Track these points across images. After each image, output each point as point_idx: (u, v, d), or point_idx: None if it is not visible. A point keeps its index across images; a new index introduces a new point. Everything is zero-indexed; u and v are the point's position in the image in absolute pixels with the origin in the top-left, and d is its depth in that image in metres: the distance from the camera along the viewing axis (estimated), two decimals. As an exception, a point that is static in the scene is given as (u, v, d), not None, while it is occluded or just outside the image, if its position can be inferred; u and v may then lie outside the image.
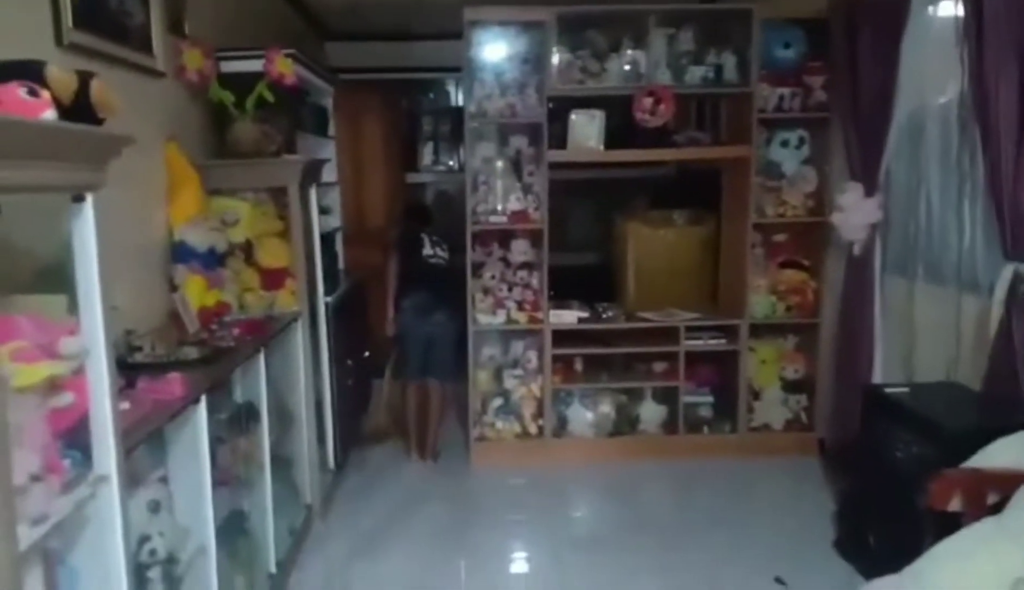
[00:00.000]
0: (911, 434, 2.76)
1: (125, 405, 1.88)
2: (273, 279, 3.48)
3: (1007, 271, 2.66)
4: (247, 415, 2.78)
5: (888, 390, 3.00)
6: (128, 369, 2.27)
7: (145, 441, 1.89)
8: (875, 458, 2.95)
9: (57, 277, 1.51)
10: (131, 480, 1.83)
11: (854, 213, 3.64)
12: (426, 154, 7.02)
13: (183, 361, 2.45)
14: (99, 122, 1.52)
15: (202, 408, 2.23)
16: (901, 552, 2.59)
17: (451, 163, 7.11)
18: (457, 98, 7.15)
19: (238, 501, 2.69)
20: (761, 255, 4.29)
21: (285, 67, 3.44)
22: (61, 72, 1.39)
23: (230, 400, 2.70)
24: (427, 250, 4.36)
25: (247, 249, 3.48)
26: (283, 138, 3.65)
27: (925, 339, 3.37)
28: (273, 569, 2.93)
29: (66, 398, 1.50)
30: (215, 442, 2.38)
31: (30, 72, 1.33)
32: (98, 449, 1.58)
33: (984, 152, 2.77)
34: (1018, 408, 2.61)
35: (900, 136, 3.47)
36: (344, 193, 5.15)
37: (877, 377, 3.58)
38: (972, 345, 3.02)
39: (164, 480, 2.20)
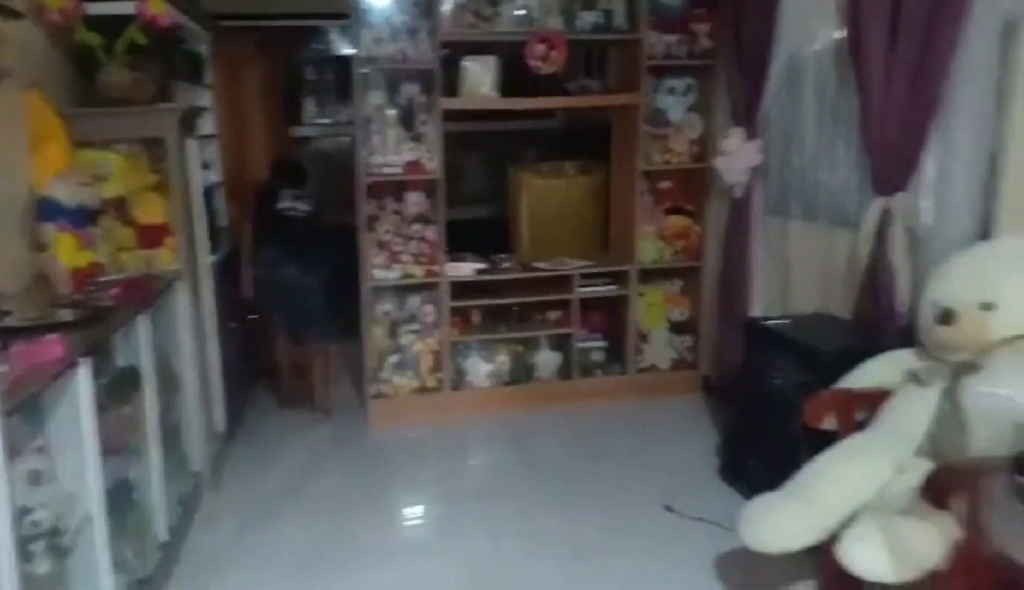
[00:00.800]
0: (789, 362, 2.94)
1: (3, 368, 1.74)
2: (151, 237, 3.28)
3: (876, 205, 2.85)
4: (130, 380, 2.64)
5: (767, 323, 3.18)
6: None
7: (21, 408, 1.75)
8: (755, 387, 3.13)
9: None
10: (7, 451, 1.71)
11: (736, 157, 3.79)
12: (310, 106, 6.75)
13: (58, 323, 2.29)
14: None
15: (83, 372, 2.09)
16: (779, 473, 2.79)
17: (337, 116, 6.88)
18: (342, 47, 6.90)
19: (124, 470, 2.56)
20: (649, 202, 4.40)
21: (158, 7, 3.20)
22: None
23: (111, 364, 2.55)
24: (283, 203, 4.30)
25: (121, 205, 3.26)
26: (157, 86, 3.42)
27: (801, 274, 3.57)
28: (164, 538, 2.82)
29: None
30: (97, 409, 2.25)
31: None
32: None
33: (858, 91, 2.93)
34: (884, 333, 2.83)
35: (779, 80, 3.62)
36: (224, 147, 4.91)
37: (757, 313, 3.77)
38: (843, 277, 3.22)
39: (43, 450, 2.07)
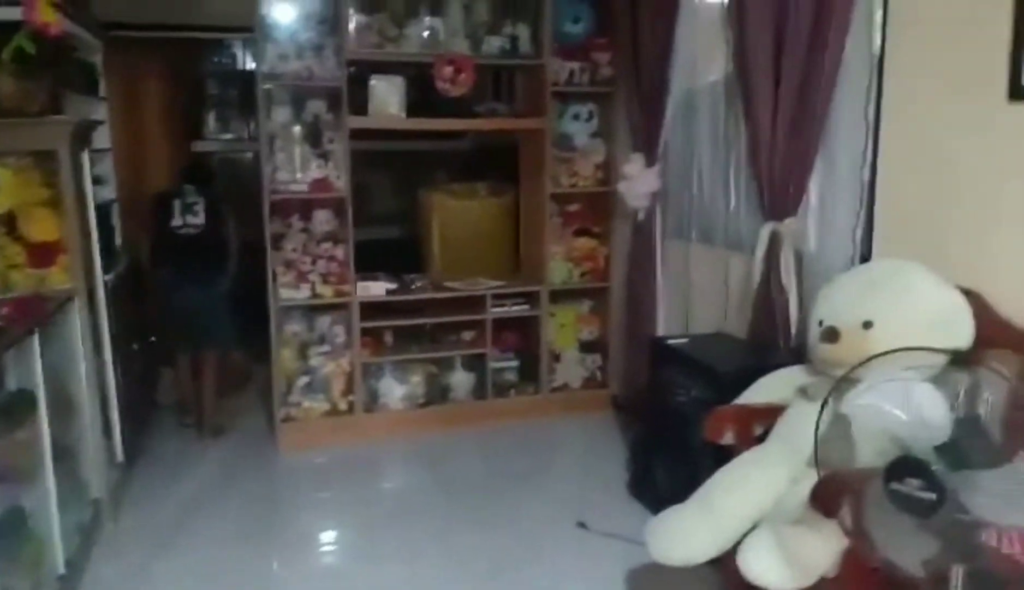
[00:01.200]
0: (690, 379, 3.08)
1: None
2: (42, 255, 3.12)
3: (765, 230, 3.03)
4: (23, 404, 2.50)
5: (669, 341, 3.32)
6: None
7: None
8: (659, 404, 3.25)
9: None
10: None
11: (637, 182, 3.95)
12: (212, 121, 6.56)
13: (-60, 346, 2.16)
14: None
15: (-31, 395, 1.98)
16: (685, 486, 2.90)
17: (240, 132, 6.72)
18: (246, 61, 6.75)
19: (16, 497, 2.42)
20: (558, 224, 4.52)
21: (48, 15, 3.07)
22: None
23: (2, 388, 2.41)
24: (175, 221, 4.16)
25: (10, 221, 3.10)
26: (47, 96, 3.27)
27: (700, 295, 3.75)
28: (62, 570, 2.67)
29: None
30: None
31: None
32: None
33: (746, 123, 3.12)
34: (777, 351, 3.00)
35: (676, 111, 3.80)
36: (120, 162, 4.74)
37: (661, 332, 3.93)
38: (739, 298, 3.40)
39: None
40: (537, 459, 4.03)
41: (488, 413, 4.41)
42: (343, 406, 4.24)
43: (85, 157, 3.41)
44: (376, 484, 3.89)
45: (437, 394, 4.42)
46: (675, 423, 3.09)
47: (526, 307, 4.45)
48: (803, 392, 2.38)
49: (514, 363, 4.55)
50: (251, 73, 6.49)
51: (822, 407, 1.93)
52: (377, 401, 4.33)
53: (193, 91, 6.37)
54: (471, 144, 6.54)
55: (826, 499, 1.91)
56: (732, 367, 2.95)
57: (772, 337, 3.05)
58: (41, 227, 3.12)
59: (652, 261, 3.96)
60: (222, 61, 6.66)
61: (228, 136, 6.63)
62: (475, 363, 4.45)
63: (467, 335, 4.49)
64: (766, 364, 2.78)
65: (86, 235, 3.31)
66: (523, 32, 4.24)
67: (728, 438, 2.55)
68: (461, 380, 4.42)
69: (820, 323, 2.32)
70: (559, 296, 4.55)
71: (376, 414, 4.29)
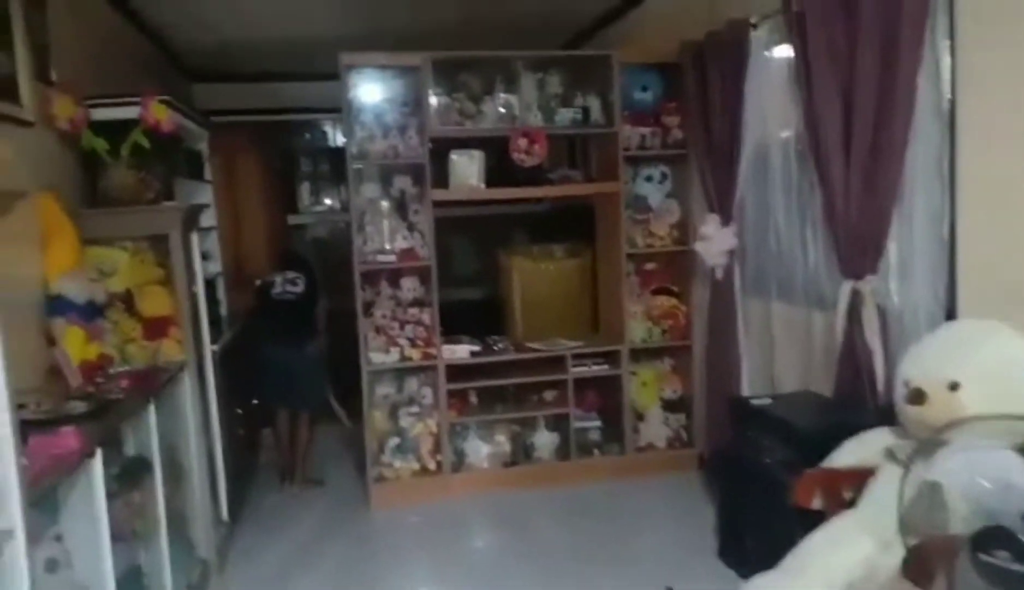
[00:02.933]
0: (775, 440, 3.05)
1: (21, 461, 1.83)
2: (156, 329, 3.40)
3: (845, 288, 3.02)
4: (139, 469, 2.71)
5: (752, 401, 3.30)
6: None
7: (41, 499, 1.84)
8: (745, 466, 3.22)
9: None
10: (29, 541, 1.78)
11: (714, 242, 3.98)
12: (305, 195, 6.98)
13: (73, 416, 2.38)
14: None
15: (98, 461, 2.19)
16: (775, 551, 2.85)
17: (331, 203, 7.11)
18: (335, 138, 7.18)
19: (134, 557, 2.62)
20: (635, 283, 4.58)
21: (161, 113, 3.41)
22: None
23: (121, 454, 2.63)
24: (276, 289, 4.62)
25: (127, 299, 3.39)
26: (160, 184, 3.60)
27: (783, 353, 3.71)
28: (172, 627, 2.85)
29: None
30: (108, 497, 2.32)
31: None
32: (3, 505, 1.55)
33: (819, 183, 3.14)
34: (862, 410, 2.95)
35: (749, 169, 3.84)
36: (223, 237, 5.09)
37: (744, 391, 3.90)
38: (822, 356, 3.36)
39: (59, 538, 2.14)
40: (623, 520, 4.01)
41: (573, 473, 4.44)
42: (431, 466, 4.36)
43: (194, 237, 3.70)
44: (464, 544, 3.95)
45: (521, 454, 4.50)
46: (762, 485, 3.05)
47: (606, 366, 4.49)
48: (891, 455, 2.34)
49: (597, 423, 4.58)
50: (341, 149, 6.96)
51: (905, 472, 1.91)
52: (464, 461, 4.44)
53: (287, 168, 6.81)
54: (548, 207, 6.71)
55: (917, 567, 1.87)
56: (817, 427, 2.92)
57: (858, 396, 3.00)
58: (155, 303, 3.40)
59: (733, 319, 3.96)
60: (314, 139, 7.11)
61: (320, 208, 7.03)
62: (558, 423, 4.51)
63: (549, 395, 4.56)
64: (853, 424, 2.74)
65: (195, 309, 3.57)
66: (594, 103, 4.40)
67: (817, 503, 2.52)
68: (545, 440, 4.49)
69: (906, 384, 2.30)
70: (640, 355, 4.58)
71: (463, 473, 4.39)
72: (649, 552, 3.64)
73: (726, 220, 3.94)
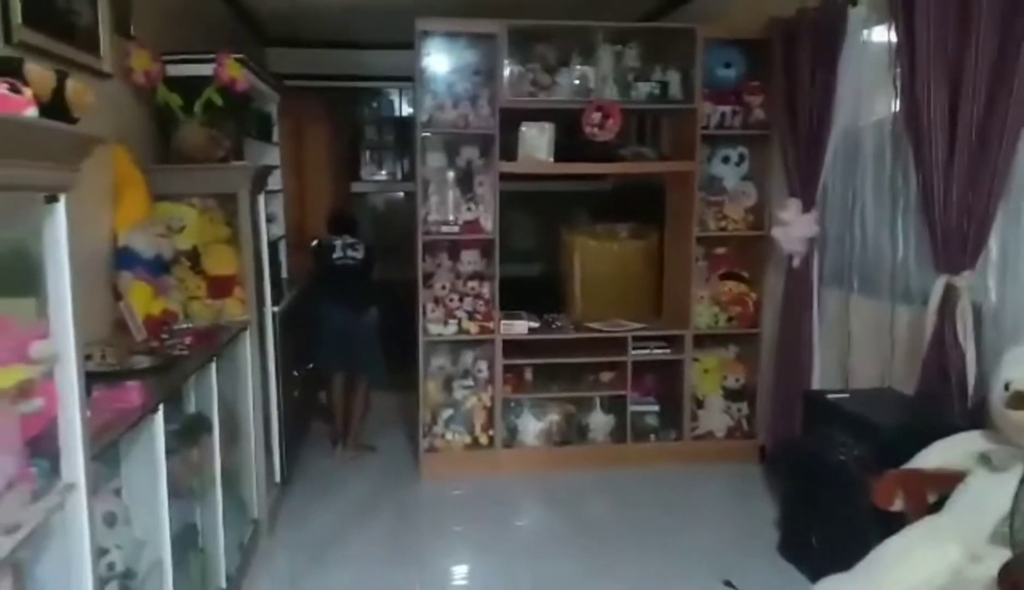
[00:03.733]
0: (851, 437, 2.89)
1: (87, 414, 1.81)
2: (220, 287, 3.40)
3: (939, 283, 2.83)
4: (199, 426, 2.71)
5: (828, 396, 3.14)
6: (80, 378, 2.19)
7: (102, 453, 1.82)
8: (816, 461, 3.07)
9: (26, 280, 1.46)
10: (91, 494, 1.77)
11: (793, 228, 3.80)
12: (369, 163, 6.98)
13: (137, 370, 2.38)
14: (73, 121, 1.47)
15: (159, 418, 2.17)
16: (844, 551, 2.71)
17: (393, 172, 7.10)
18: (401, 108, 7.14)
19: (190, 515, 2.62)
20: (703, 267, 4.42)
21: (236, 71, 3.39)
22: (41, 70, 1.35)
23: (182, 410, 2.62)
24: (337, 254, 4.59)
25: (193, 256, 3.40)
26: (231, 144, 3.59)
27: (860, 347, 3.53)
28: (223, 584, 2.85)
29: (35, 404, 1.44)
30: (167, 453, 2.32)
31: (8, 69, 1.29)
32: (66, 457, 1.53)
33: (916, 171, 2.94)
34: (948, 410, 2.77)
35: (836, 153, 3.64)
36: (287, 201, 5.09)
37: (816, 384, 3.73)
38: (905, 353, 3.18)
39: (118, 492, 2.14)
40: (678, 508, 3.91)
41: (627, 457, 4.34)
42: (483, 440, 4.31)
43: (261, 199, 3.69)
44: (513, 520, 3.90)
45: (575, 434, 4.41)
46: (833, 483, 2.90)
47: (668, 351, 4.36)
48: (986, 460, 2.18)
49: (655, 407, 4.46)
50: (406, 118, 6.94)
51: (1022, 482, 1.76)
52: (516, 437, 4.37)
53: (353, 135, 6.80)
54: (612, 186, 6.57)
55: (1016, 582, 1.73)
56: (898, 425, 2.76)
57: (944, 396, 2.82)
58: (220, 262, 3.40)
59: (808, 310, 3.78)
60: (380, 107, 7.09)
61: (382, 177, 7.01)
62: (614, 405, 4.40)
63: (606, 376, 4.45)
64: (938, 425, 2.60)
65: (259, 270, 3.56)
66: (673, 77, 4.22)
67: (898, 505, 2.38)
68: (600, 421, 4.38)
69: (1007, 386, 2.13)
70: (703, 341, 4.43)
71: (514, 450, 4.33)
72: (703, 542, 3.53)
73: (808, 206, 3.75)
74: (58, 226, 1.43)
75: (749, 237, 4.38)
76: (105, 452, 1.93)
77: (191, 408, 2.69)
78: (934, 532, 2.22)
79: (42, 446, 1.50)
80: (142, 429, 2.13)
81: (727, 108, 4.23)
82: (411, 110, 7.00)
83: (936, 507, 2.35)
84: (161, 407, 2.17)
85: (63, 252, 1.44)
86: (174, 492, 2.39)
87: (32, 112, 1.28)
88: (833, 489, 2.90)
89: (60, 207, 1.43)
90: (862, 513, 2.68)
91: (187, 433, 2.61)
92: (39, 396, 1.45)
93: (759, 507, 3.82)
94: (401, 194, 7.12)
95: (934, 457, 2.44)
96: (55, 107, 1.39)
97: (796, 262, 3.86)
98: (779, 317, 4.05)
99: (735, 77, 4.23)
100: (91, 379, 2.22)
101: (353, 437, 4.62)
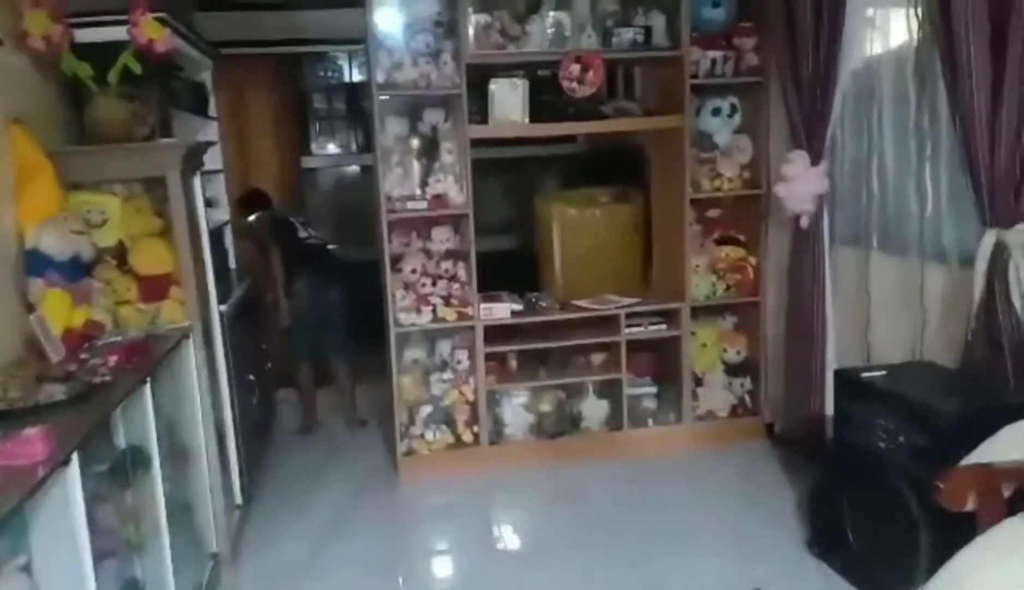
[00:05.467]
0: (894, 422, 2.53)
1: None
2: (154, 288, 2.91)
3: (988, 239, 2.48)
4: (133, 462, 2.25)
5: (864, 374, 2.77)
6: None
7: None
8: (851, 448, 2.73)
9: None
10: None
11: (799, 184, 3.42)
12: (321, 135, 6.43)
13: (45, 405, 1.91)
14: None
15: (74, 469, 1.71)
16: (889, 551, 2.39)
17: (347, 145, 6.56)
18: (351, 73, 6.59)
19: (129, 570, 2.17)
20: (696, 232, 4.03)
21: (154, 31, 2.86)
22: None
23: (109, 446, 2.15)
24: (302, 233, 4.52)
25: (120, 253, 2.90)
26: (156, 118, 3.08)
27: (883, 315, 3.19)
28: (180, 641, 2.42)
29: None
30: (93, 502, 1.86)
31: None
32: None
33: (952, 111, 2.57)
34: (1005, 387, 2.44)
35: (846, 97, 3.26)
36: (230, 182, 4.56)
37: (831, 357, 3.39)
38: (940, 320, 2.84)
39: (26, 569, 1.68)
40: (686, 500, 3.55)
41: (625, 445, 3.96)
42: (468, 437, 3.89)
43: (197, 181, 3.18)
44: (504, 525, 3.54)
45: (568, 424, 4.01)
46: (875, 474, 2.56)
47: (664, 326, 3.97)
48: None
49: (652, 389, 4.09)
50: (357, 85, 6.40)
51: None
52: (503, 432, 3.97)
53: (300, 106, 6.25)
54: (583, 148, 6.13)
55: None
56: (952, 409, 2.41)
57: (997, 370, 2.49)
58: (152, 258, 2.92)
59: (819, 273, 3.42)
60: (328, 74, 6.52)
61: (335, 150, 6.48)
62: (608, 389, 4.02)
63: (597, 358, 4.06)
64: (999, 406, 2.26)
65: (200, 264, 3.07)
66: (657, 21, 3.78)
67: (971, 504, 2.03)
68: (594, 408, 4.00)
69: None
70: (698, 312, 4.05)
71: (503, 446, 3.93)
72: (721, 538, 3.21)
73: (815, 158, 3.37)
74: None
75: (744, 196, 3.99)
76: (3, 525, 1.48)
77: (121, 442, 2.22)
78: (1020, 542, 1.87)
79: None
80: (51, 486, 1.67)
81: (717, 54, 3.81)
82: (362, 76, 6.47)
83: (1013, 504, 2.01)
84: (75, 457, 1.70)
85: None
86: (105, 549, 1.95)
87: None
88: (875, 481, 2.55)
89: None
90: (913, 510, 2.36)
91: (118, 473, 2.16)
92: None
93: (772, 491, 3.51)
94: (356, 168, 6.60)
95: (1006, 445, 2.10)
96: None
97: (804, 221, 3.48)
98: (786, 283, 3.68)
99: (724, 18, 3.80)
100: (-16, 424, 1.78)
101: (352, 411, 4.58)
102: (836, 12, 3.13)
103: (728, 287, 4.03)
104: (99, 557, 1.84)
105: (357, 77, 6.56)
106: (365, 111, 6.28)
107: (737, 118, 3.98)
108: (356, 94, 6.46)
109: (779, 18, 3.50)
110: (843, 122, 3.33)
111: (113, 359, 2.31)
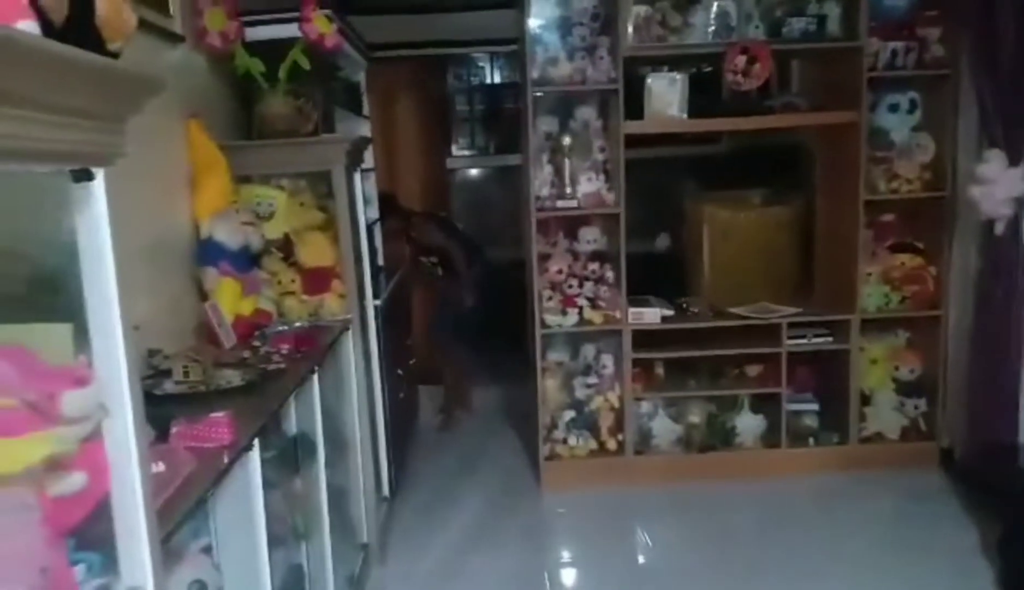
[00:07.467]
0: None
1: (159, 467, 1.36)
2: (318, 281, 2.96)
3: None
4: (301, 450, 2.26)
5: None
6: (157, 404, 1.76)
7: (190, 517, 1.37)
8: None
9: (54, 296, 0.99)
10: (167, 557, 1.32)
11: (997, 186, 3.08)
12: (462, 136, 6.48)
13: (224, 390, 1.94)
14: (110, 56, 0.98)
15: (255, 454, 1.71)
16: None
17: (486, 146, 6.58)
18: (492, 75, 6.61)
19: (295, 556, 2.17)
20: (868, 238, 3.71)
21: (324, 26, 2.91)
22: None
23: (279, 433, 2.17)
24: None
25: (285, 246, 2.97)
26: (319, 115, 3.13)
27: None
28: (333, 631, 2.41)
29: (74, 481, 0.97)
30: (264, 489, 1.86)
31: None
32: (126, 549, 1.06)
33: None
34: None
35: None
36: (381, 180, 4.65)
37: (1027, 377, 3.03)
38: None
39: (208, 551, 1.69)
40: (849, 530, 3.25)
41: (781, 464, 3.71)
42: (611, 445, 3.75)
43: (357, 177, 3.22)
44: (648, 541, 3.36)
45: (719, 438, 3.79)
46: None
47: (830, 339, 3.69)
48: None
49: (814, 406, 3.80)
50: (497, 87, 6.41)
51: None
52: (649, 442, 3.80)
53: (445, 107, 6.33)
54: (727, 147, 5.85)
55: None
56: None
57: None
58: (316, 252, 2.96)
59: (1016, 285, 3.07)
60: (470, 76, 6.57)
61: (472, 152, 6.53)
62: (765, 404, 3.77)
63: (753, 370, 3.82)
64: None
65: (359, 259, 3.10)
66: (831, 9, 3.52)
67: None
68: (748, 423, 3.76)
69: None
70: (868, 326, 3.73)
71: (648, 456, 3.76)
72: (891, 578, 2.88)
73: (1015, 158, 3.02)
74: (94, 214, 0.94)
75: (924, 200, 3.65)
76: (191, 512, 1.48)
77: (291, 429, 2.24)
78: None
79: (90, 534, 1.04)
80: (234, 470, 1.67)
81: (898, 44, 3.50)
82: (503, 78, 6.47)
83: None
84: (256, 443, 1.71)
85: (104, 250, 0.96)
86: (275, 534, 1.95)
87: (29, 27, 0.78)
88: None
89: (97, 187, 0.94)
90: None
91: (287, 460, 2.17)
92: (79, 467, 0.97)
93: (952, 528, 3.17)
94: (493, 169, 6.62)
95: None
96: (77, 31, 0.89)
97: (999, 228, 3.13)
98: (973, 296, 3.33)
99: (907, 5, 3.50)
100: (169, 405, 1.82)
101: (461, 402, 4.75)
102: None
103: (903, 299, 3.70)
104: (270, 544, 1.84)
105: (498, 79, 6.56)
106: (505, 112, 6.32)
107: (917, 114, 3.66)
108: (497, 96, 6.47)
109: (974, 4, 3.17)
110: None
111: (285, 347, 2.34)
